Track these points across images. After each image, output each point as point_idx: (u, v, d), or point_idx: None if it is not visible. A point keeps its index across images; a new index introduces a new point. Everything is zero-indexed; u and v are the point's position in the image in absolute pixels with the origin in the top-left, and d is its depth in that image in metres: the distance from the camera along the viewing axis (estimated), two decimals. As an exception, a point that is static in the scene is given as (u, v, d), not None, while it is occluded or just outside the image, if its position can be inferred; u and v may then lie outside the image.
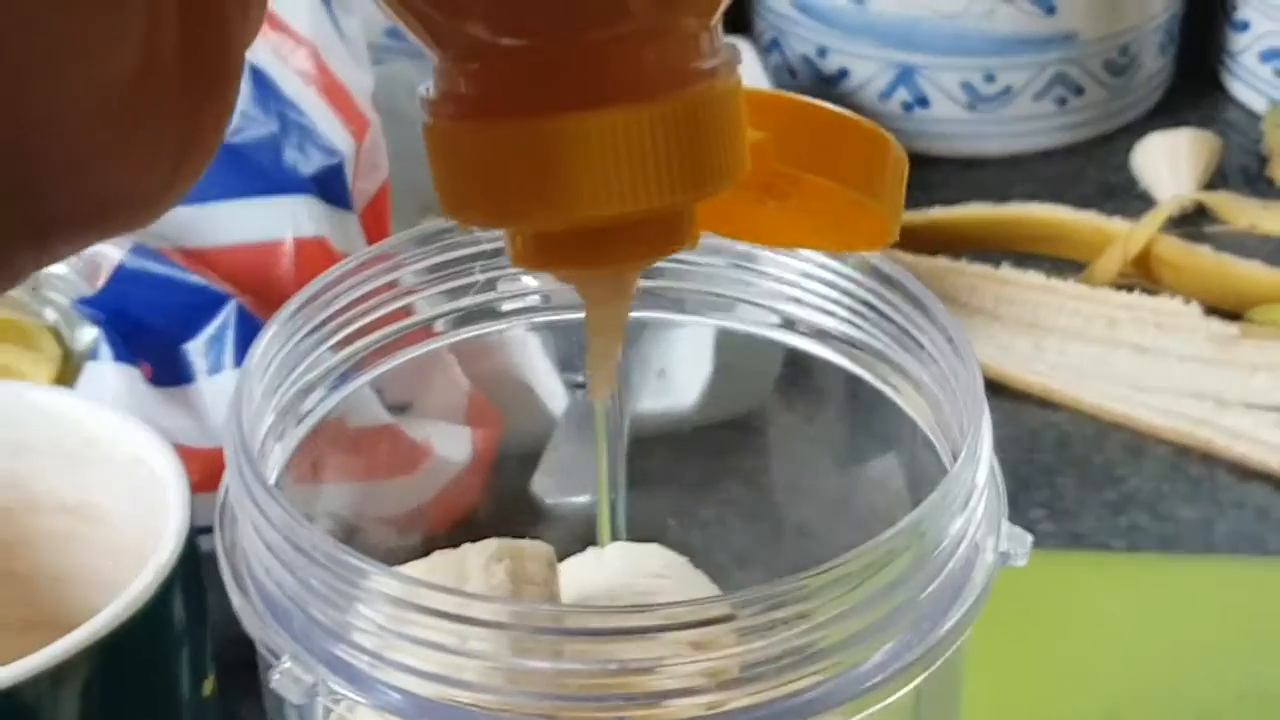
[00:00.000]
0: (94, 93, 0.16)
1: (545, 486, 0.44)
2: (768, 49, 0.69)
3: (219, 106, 0.18)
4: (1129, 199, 0.63)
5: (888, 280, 0.30)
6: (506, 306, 0.33)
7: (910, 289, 0.28)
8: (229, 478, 0.27)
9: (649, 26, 0.21)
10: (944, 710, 0.28)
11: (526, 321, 0.35)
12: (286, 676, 0.24)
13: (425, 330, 0.34)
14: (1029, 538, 0.26)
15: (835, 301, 0.31)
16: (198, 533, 0.37)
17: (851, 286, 0.30)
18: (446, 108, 0.22)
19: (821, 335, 0.32)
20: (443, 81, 0.22)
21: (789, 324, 0.32)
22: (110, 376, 0.44)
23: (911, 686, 0.26)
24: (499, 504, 0.44)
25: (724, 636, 0.25)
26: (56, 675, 0.33)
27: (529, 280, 0.33)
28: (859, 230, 0.26)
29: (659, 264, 0.33)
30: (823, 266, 0.31)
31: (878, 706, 0.26)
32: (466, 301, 0.33)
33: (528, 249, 0.23)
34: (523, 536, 0.32)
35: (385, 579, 0.24)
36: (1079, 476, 0.52)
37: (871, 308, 0.30)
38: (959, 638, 0.26)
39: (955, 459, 0.26)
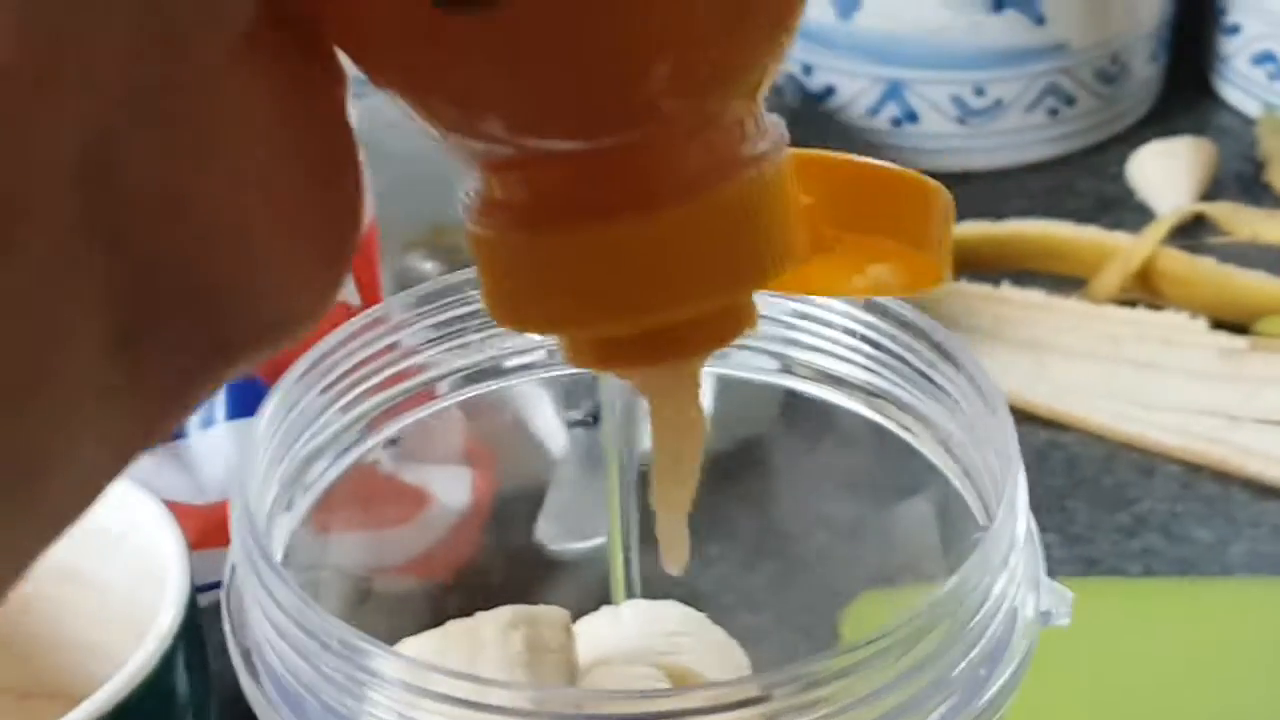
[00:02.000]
0: (251, 201, 0.17)
1: (549, 533, 0.43)
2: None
3: (354, 199, 0.19)
4: (1125, 210, 0.63)
5: (906, 325, 0.29)
6: (512, 363, 0.32)
7: (933, 335, 0.28)
8: (235, 556, 0.26)
9: (693, 119, 0.20)
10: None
11: (533, 379, 0.34)
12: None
13: (428, 392, 0.33)
14: (1069, 595, 0.25)
15: (849, 346, 0.30)
16: (196, 591, 0.36)
17: (864, 330, 0.29)
18: (492, 216, 0.21)
19: (832, 380, 0.31)
20: (485, 188, 0.21)
21: (789, 369, 0.31)
22: (99, 434, 0.43)
23: (955, 760, 0.25)
24: (504, 551, 0.43)
25: (755, 718, 0.24)
26: (60, 753, 0.32)
27: (534, 336, 0.32)
28: (908, 276, 0.25)
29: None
30: (836, 311, 0.30)
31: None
32: (471, 359, 0.33)
33: (583, 350, 0.22)
34: (531, 584, 0.31)
35: (397, 663, 0.23)
36: (1090, 499, 0.51)
37: (888, 351, 0.29)
38: (1001, 708, 0.25)
39: (984, 507, 0.25)
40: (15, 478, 0.16)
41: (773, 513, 0.44)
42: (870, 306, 0.29)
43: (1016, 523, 0.25)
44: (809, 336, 0.30)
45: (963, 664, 0.24)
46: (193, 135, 0.17)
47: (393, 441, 0.43)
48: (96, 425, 0.16)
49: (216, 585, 0.40)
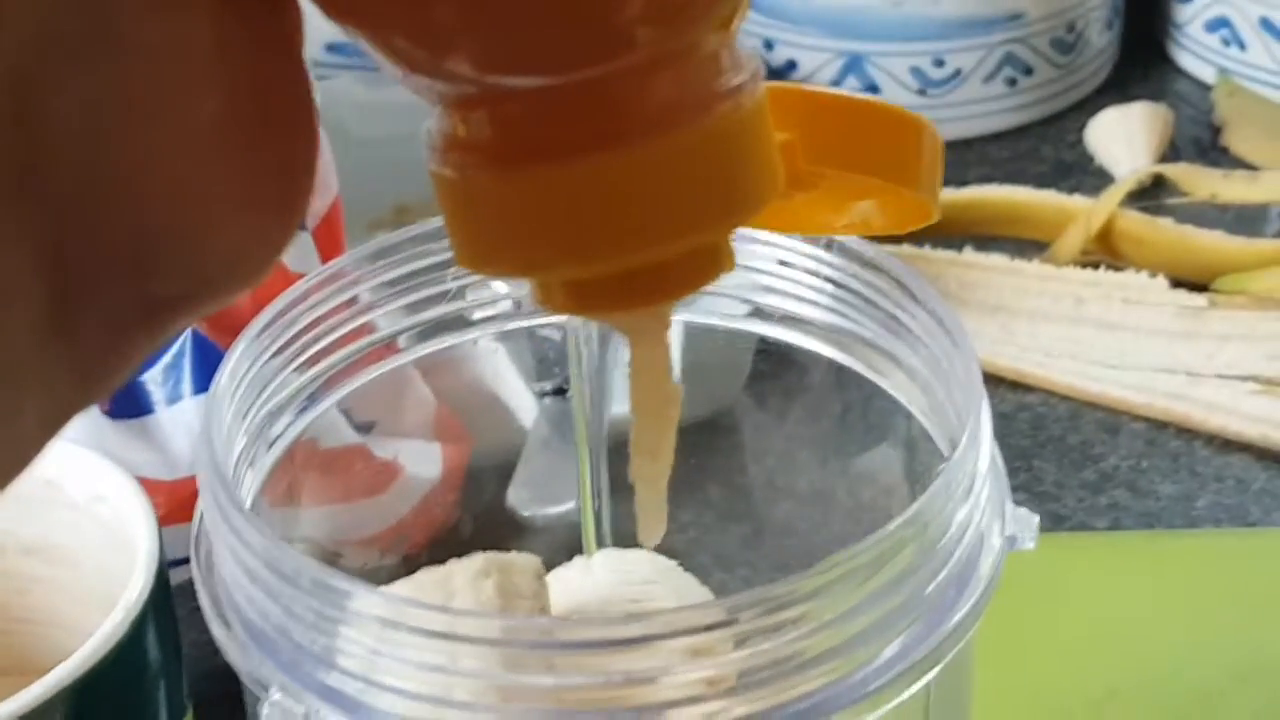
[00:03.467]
0: (193, 150, 0.16)
1: (521, 498, 0.43)
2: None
3: (308, 148, 0.18)
4: (1085, 176, 0.63)
5: (868, 263, 0.29)
6: (477, 315, 0.32)
7: (893, 271, 0.28)
8: (203, 505, 0.26)
9: (665, 52, 0.19)
10: (955, 705, 0.28)
11: (495, 331, 0.34)
12: (276, 709, 0.23)
13: (389, 346, 0.33)
14: (1035, 519, 0.26)
15: (813, 288, 0.30)
16: (168, 566, 0.36)
17: (830, 271, 0.30)
18: (457, 156, 0.20)
19: (799, 323, 0.31)
20: (449, 126, 0.20)
21: (760, 313, 0.31)
22: (66, 412, 0.43)
23: (923, 683, 0.25)
24: (476, 519, 0.43)
25: (724, 642, 0.24)
26: (31, 722, 0.32)
27: (499, 287, 0.32)
28: (896, 212, 0.25)
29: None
30: (797, 252, 0.30)
31: (888, 706, 0.25)
32: (431, 314, 0.33)
33: (557, 294, 0.22)
34: (505, 550, 0.31)
35: (371, 599, 0.23)
36: (1056, 458, 0.51)
37: (853, 292, 0.29)
38: (969, 629, 0.25)
39: (953, 445, 0.25)
40: None
41: (744, 475, 0.44)
42: (836, 248, 0.29)
43: (980, 450, 0.25)
44: (775, 280, 0.30)
45: (930, 586, 0.24)
46: (120, 80, 0.16)
47: (363, 418, 0.44)
48: (36, 384, 0.16)
49: (187, 561, 0.40)
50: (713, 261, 0.22)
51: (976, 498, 0.25)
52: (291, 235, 0.18)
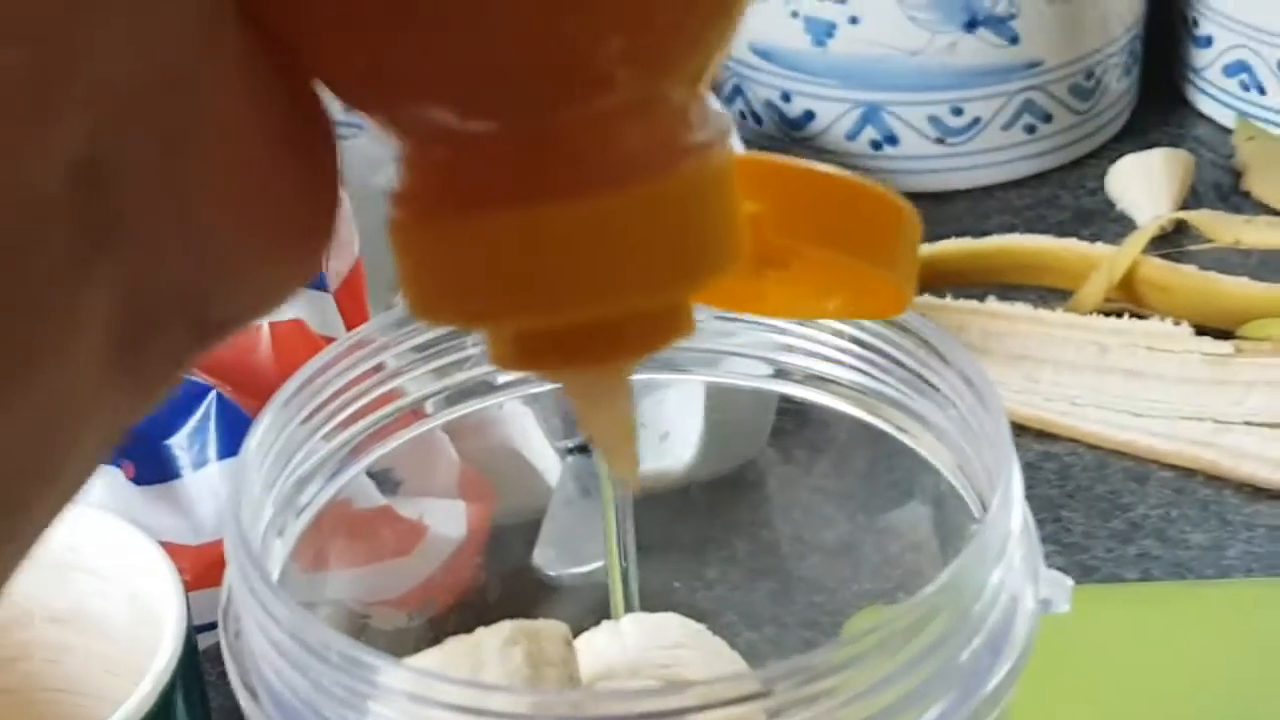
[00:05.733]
0: (236, 192, 0.17)
1: (548, 558, 0.43)
2: (730, 98, 0.68)
3: (332, 180, 0.18)
4: (1106, 223, 0.63)
5: (892, 321, 0.29)
6: (500, 380, 0.32)
7: (919, 330, 0.28)
8: (231, 577, 0.26)
9: (628, 102, 0.19)
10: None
11: (521, 394, 0.34)
12: (309, 787, 0.23)
13: (416, 412, 0.33)
14: (1069, 582, 0.25)
15: (837, 348, 0.30)
16: (195, 632, 0.36)
17: (854, 330, 0.29)
18: (410, 201, 0.20)
19: (823, 383, 0.31)
20: (405, 171, 0.20)
21: (783, 373, 0.31)
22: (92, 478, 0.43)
23: (958, 750, 0.25)
24: (503, 579, 0.43)
25: (757, 715, 0.24)
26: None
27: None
28: (869, 298, 0.24)
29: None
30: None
31: (924, 773, 0.25)
32: (457, 378, 0.33)
33: (508, 350, 0.21)
34: (531, 611, 0.31)
35: (399, 674, 0.23)
36: (1084, 508, 0.51)
37: (878, 351, 0.29)
38: (1005, 696, 0.25)
39: (983, 503, 0.25)
40: (30, 475, 0.16)
41: (770, 530, 0.44)
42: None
43: (1012, 512, 0.25)
44: (799, 340, 0.30)
45: (965, 653, 0.24)
46: (179, 127, 0.17)
47: (388, 478, 0.44)
48: (96, 414, 0.17)
49: (214, 626, 0.40)
50: (671, 323, 0.21)
51: (1009, 560, 0.25)
52: (323, 253, 0.19)
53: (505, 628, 0.28)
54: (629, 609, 0.34)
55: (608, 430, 0.23)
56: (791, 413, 0.34)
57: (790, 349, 0.30)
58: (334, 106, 0.20)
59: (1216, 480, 0.51)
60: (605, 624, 0.32)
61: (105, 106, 0.16)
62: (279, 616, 0.24)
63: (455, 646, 0.28)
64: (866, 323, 0.29)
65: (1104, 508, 0.51)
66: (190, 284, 0.17)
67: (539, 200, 0.19)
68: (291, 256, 0.18)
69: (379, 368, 0.31)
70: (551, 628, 0.29)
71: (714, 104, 0.20)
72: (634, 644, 0.31)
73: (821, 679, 0.23)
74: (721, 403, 0.43)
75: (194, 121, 0.17)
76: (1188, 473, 0.52)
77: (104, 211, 0.16)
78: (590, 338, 0.20)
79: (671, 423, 0.45)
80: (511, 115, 0.19)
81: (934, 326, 0.28)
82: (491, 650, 0.28)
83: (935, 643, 0.24)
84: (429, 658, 0.28)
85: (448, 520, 0.46)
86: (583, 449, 0.46)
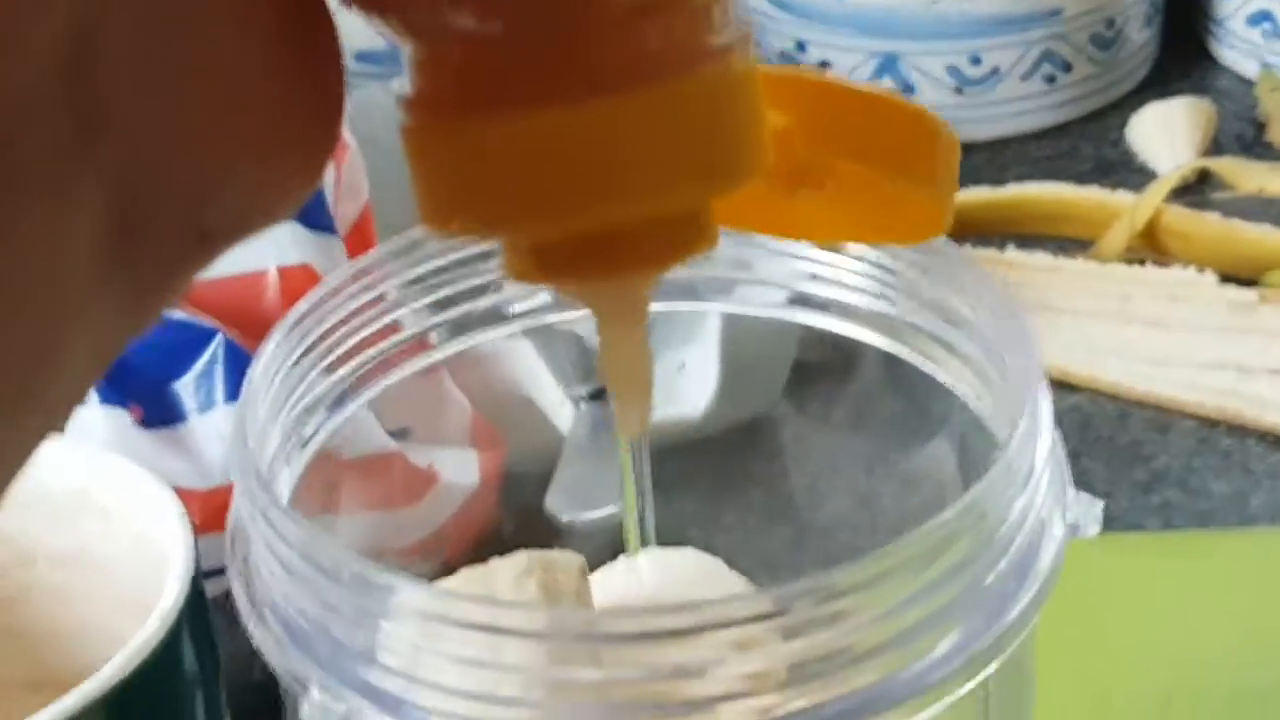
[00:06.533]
0: (248, 85, 0.17)
1: (560, 504, 0.42)
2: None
3: (337, 84, 0.18)
4: (1127, 173, 0.62)
5: (919, 248, 0.28)
6: (514, 309, 0.32)
7: (945, 253, 0.27)
8: (238, 500, 0.25)
9: (645, 1, 0.18)
10: (1016, 703, 0.27)
11: (533, 324, 0.33)
12: (317, 708, 0.22)
13: (421, 343, 0.32)
14: (1099, 503, 0.25)
15: (861, 274, 0.29)
16: (203, 576, 0.35)
17: (878, 256, 0.29)
18: (424, 105, 0.19)
19: (846, 310, 0.30)
20: (418, 75, 0.19)
21: (805, 301, 0.30)
22: (98, 420, 0.43)
23: (981, 678, 0.24)
24: (515, 525, 0.42)
25: (772, 635, 0.23)
26: (65, 733, 0.31)
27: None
28: (907, 219, 0.24)
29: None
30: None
31: (945, 702, 0.24)
32: (464, 309, 0.32)
33: (525, 261, 0.21)
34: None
35: (414, 592, 0.23)
36: (1105, 458, 0.50)
37: (903, 277, 0.28)
38: (1030, 621, 0.24)
39: (1011, 433, 0.24)
40: (23, 375, 0.16)
41: (789, 474, 0.43)
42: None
43: (1040, 434, 0.24)
44: (819, 266, 0.29)
45: (990, 576, 0.23)
46: (176, 17, 0.17)
47: (398, 426, 0.43)
48: (92, 318, 0.17)
49: (223, 571, 0.39)
50: (691, 233, 0.20)
51: (1037, 483, 0.24)
52: (323, 169, 0.18)
53: (520, 557, 0.28)
54: (645, 548, 0.33)
55: (624, 361, 0.23)
56: (814, 356, 0.34)
57: (814, 277, 0.30)
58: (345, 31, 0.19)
59: (1239, 429, 0.51)
60: (620, 559, 0.31)
61: None
62: (288, 535, 0.23)
63: (468, 575, 0.28)
64: (891, 249, 0.28)
65: (1126, 458, 0.50)
66: (184, 184, 0.17)
67: (555, 101, 0.18)
68: (291, 162, 0.18)
69: (380, 298, 0.30)
70: (566, 559, 0.28)
71: (739, 7, 0.20)
72: (650, 578, 0.30)
73: (839, 599, 0.23)
74: (740, 338, 0.43)
75: (184, 8, 0.17)
76: (1210, 422, 0.51)
77: (94, 100, 0.16)
78: (608, 248, 0.20)
79: (690, 358, 0.44)
80: (527, 14, 0.18)
81: (959, 252, 0.27)
82: (506, 579, 0.27)
83: (958, 565, 0.23)
84: (442, 585, 0.27)
85: (459, 469, 0.45)
86: (597, 395, 0.46)
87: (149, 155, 0.17)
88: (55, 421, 0.17)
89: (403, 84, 0.19)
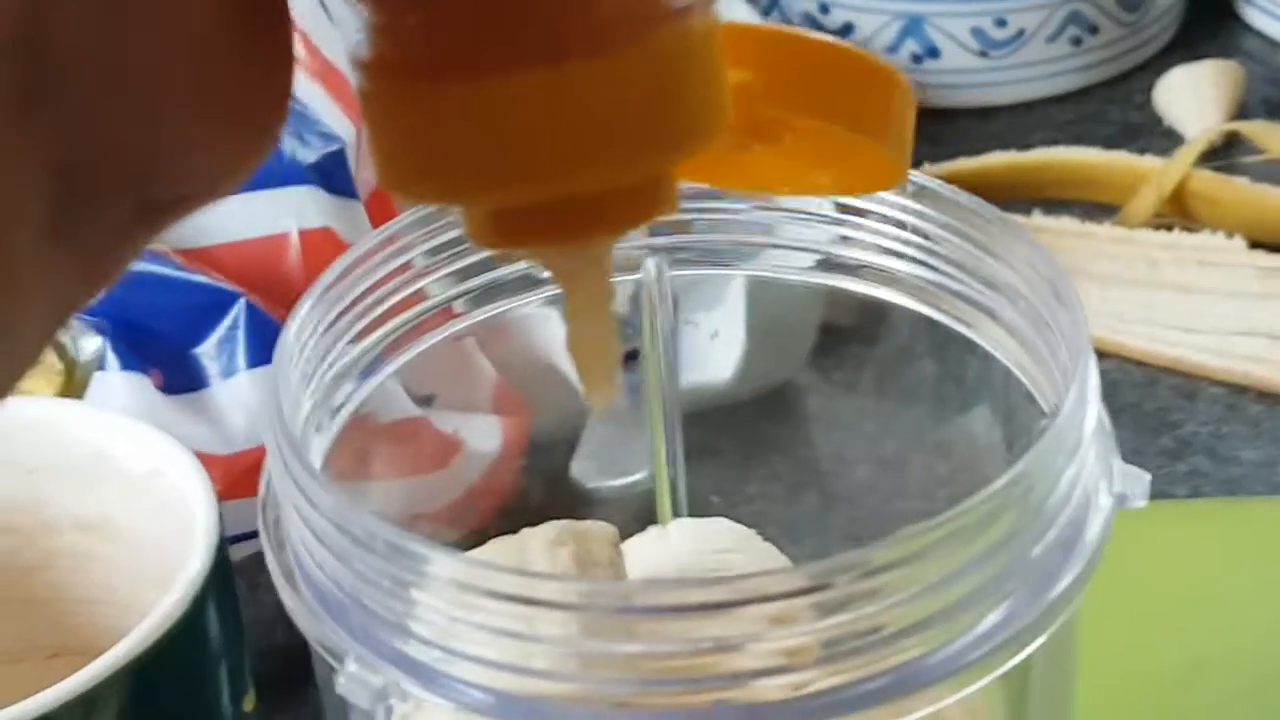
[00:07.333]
0: (191, 59, 0.17)
1: (585, 470, 0.42)
2: (766, 9, 0.67)
3: (285, 60, 0.18)
4: (1154, 137, 0.61)
5: (956, 208, 0.27)
6: (542, 274, 0.31)
7: (988, 218, 0.26)
8: (271, 467, 0.25)
9: None
10: (1059, 679, 0.26)
11: (553, 294, 0.33)
12: (353, 680, 0.22)
13: (447, 311, 0.32)
14: (1146, 476, 0.24)
15: (896, 238, 0.28)
16: (228, 542, 0.35)
17: (913, 219, 0.28)
18: (383, 70, 0.19)
19: (878, 276, 0.29)
20: (377, 40, 0.19)
21: (837, 266, 0.30)
22: (119, 387, 0.42)
23: (1025, 654, 0.24)
24: (543, 492, 0.42)
25: (808, 610, 0.22)
26: (89, 702, 0.31)
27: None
28: (863, 172, 0.24)
29: (691, 216, 0.31)
30: (881, 200, 0.28)
31: (987, 679, 0.24)
32: (490, 276, 0.32)
33: (484, 226, 0.20)
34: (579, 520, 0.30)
35: (448, 562, 0.22)
36: (1133, 425, 0.50)
37: (942, 241, 0.27)
38: (1077, 595, 0.24)
39: (1055, 403, 0.24)
40: None
41: (818, 441, 0.43)
42: (919, 193, 0.27)
43: (1088, 405, 0.24)
44: (853, 230, 0.28)
45: (1036, 549, 0.23)
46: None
47: (423, 394, 0.43)
48: (39, 290, 0.17)
49: (246, 537, 0.39)
50: (652, 197, 0.20)
51: (1084, 456, 0.24)
52: (275, 143, 0.18)
53: (552, 528, 0.27)
54: (677, 516, 0.33)
55: (587, 309, 0.22)
56: (842, 322, 0.33)
57: (844, 240, 0.29)
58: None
59: (1268, 396, 0.50)
60: (652, 529, 0.31)
61: None
62: (322, 505, 0.23)
63: (500, 546, 0.27)
64: (926, 210, 0.28)
65: (1153, 425, 0.50)
66: (133, 156, 0.17)
67: (514, 68, 0.18)
68: (241, 135, 0.18)
69: (409, 264, 0.30)
70: (599, 529, 0.28)
71: None
72: (681, 548, 0.30)
73: (880, 574, 0.22)
74: (767, 302, 0.42)
75: None
76: (1239, 389, 0.50)
77: (42, 66, 0.16)
78: (570, 213, 0.20)
79: (720, 324, 0.44)
80: None
81: (1001, 214, 0.27)
82: (538, 550, 0.27)
83: (1003, 539, 0.23)
84: (473, 556, 0.27)
85: (483, 435, 0.45)
86: (625, 359, 0.45)
87: (95, 124, 0.17)
88: (9, 384, 0.17)
89: (359, 46, 0.19)
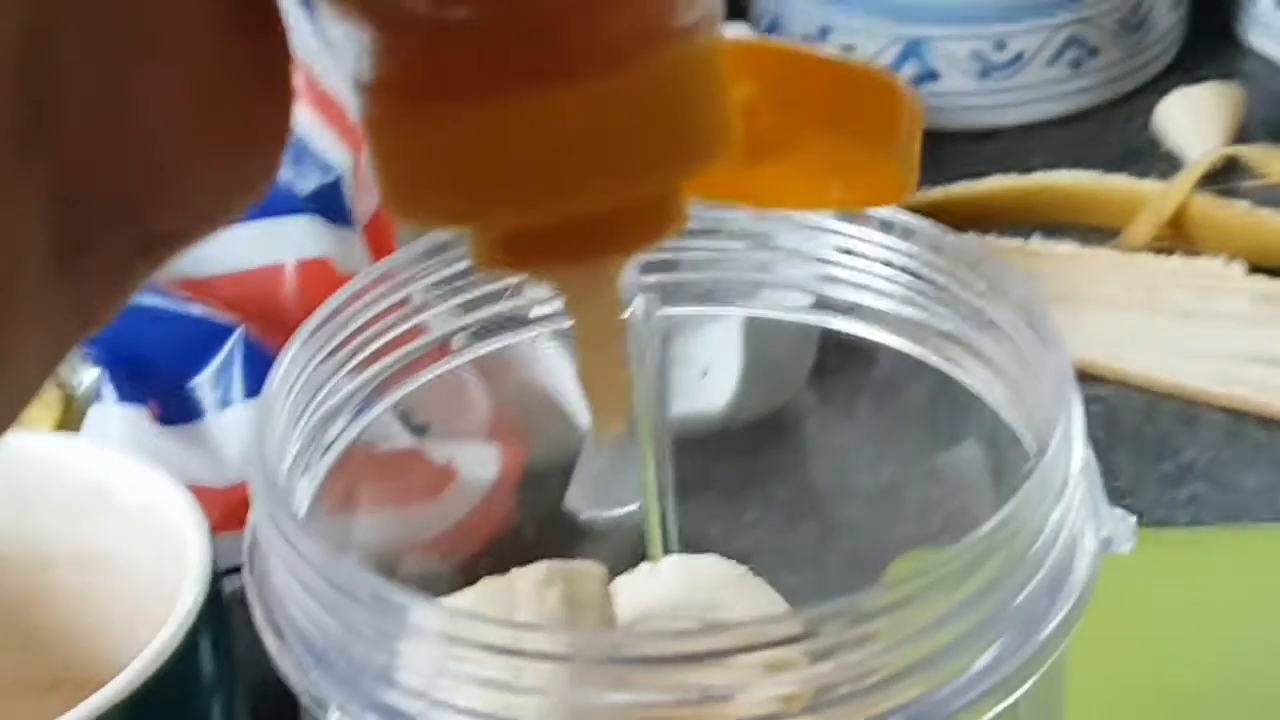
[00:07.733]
0: (193, 93, 0.17)
1: (579, 501, 0.42)
2: (767, 31, 0.67)
3: (285, 92, 0.18)
4: (1154, 160, 0.61)
5: (942, 249, 0.27)
6: (534, 313, 0.31)
7: (973, 257, 0.26)
8: (255, 514, 0.25)
9: None
10: (1046, 718, 0.26)
11: (553, 329, 0.33)
12: (339, 730, 0.22)
13: (443, 348, 0.32)
14: (1132, 519, 0.24)
15: (884, 278, 0.29)
16: (221, 575, 0.35)
17: (902, 259, 0.28)
18: (387, 93, 0.19)
19: (870, 315, 0.29)
20: (380, 62, 0.19)
21: (828, 305, 0.30)
22: (116, 419, 0.42)
23: (1013, 699, 0.24)
24: (536, 522, 0.42)
25: (800, 656, 0.22)
26: (85, 738, 0.31)
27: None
28: (871, 185, 0.23)
29: (682, 255, 0.31)
30: (864, 240, 0.28)
31: (978, 722, 0.24)
32: (485, 313, 0.32)
33: (493, 248, 0.20)
34: (565, 554, 0.29)
35: (432, 613, 0.22)
36: (1133, 451, 0.50)
37: (929, 281, 0.27)
38: (1063, 640, 0.24)
39: (1040, 442, 0.24)
40: None
41: (811, 472, 0.42)
42: (907, 233, 0.27)
43: (1073, 447, 0.24)
44: (843, 270, 0.28)
45: (1022, 595, 0.23)
46: (132, 33, 0.17)
47: (417, 422, 0.43)
48: (40, 325, 0.17)
49: (239, 569, 0.39)
50: (663, 214, 0.20)
51: (1070, 499, 0.24)
52: (275, 175, 0.19)
53: (540, 568, 0.27)
54: (667, 551, 0.33)
55: (596, 332, 0.22)
56: (835, 349, 0.33)
57: (832, 279, 0.29)
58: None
59: (1269, 422, 0.50)
60: (643, 565, 0.31)
61: None
62: (306, 554, 0.23)
63: (488, 587, 0.27)
64: (916, 250, 0.28)
65: (1153, 451, 0.50)
66: (133, 188, 0.17)
67: (518, 89, 0.18)
68: (237, 169, 0.18)
69: (404, 301, 0.30)
70: (588, 568, 0.28)
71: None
72: (673, 586, 0.30)
73: (870, 620, 0.22)
74: (761, 337, 0.42)
75: (137, 18, 0.17)
76: (1239, 415, 0.50)
77: (42, 100, 0.16)
78: (577, 234, 0.19)
79: (712, 359, 0.44)
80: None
81: (989, 254, 0.26)
82: (526, 591, 0.27)
83: (990, 584, 0.23)
84: (461, 599, 0.27)
85: (479, 463, 0.45)
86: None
87: (96, 157, 0.17)
88: (9, 417, 0.17)
89: (361, 70, 0.19)
